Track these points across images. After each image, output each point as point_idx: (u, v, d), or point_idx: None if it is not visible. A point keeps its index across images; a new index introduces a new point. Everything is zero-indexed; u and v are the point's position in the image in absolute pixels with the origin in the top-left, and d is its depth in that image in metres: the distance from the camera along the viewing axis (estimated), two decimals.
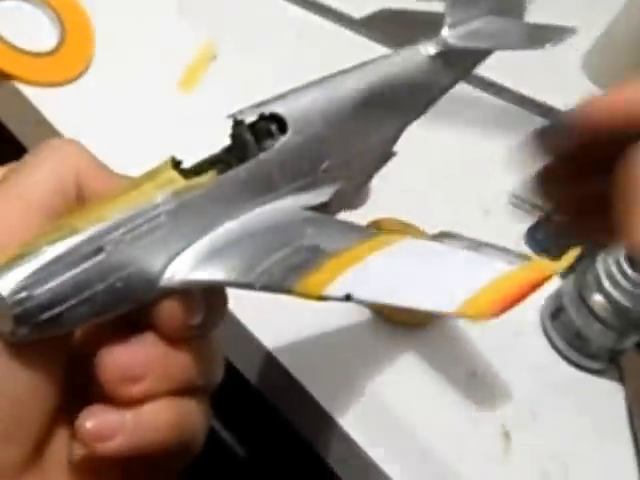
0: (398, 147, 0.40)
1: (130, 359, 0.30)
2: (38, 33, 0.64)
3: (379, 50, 0.69)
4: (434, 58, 0.39)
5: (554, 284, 0.62)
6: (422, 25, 0.40)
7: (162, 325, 0.31)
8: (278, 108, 0.34)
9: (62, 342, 0.30)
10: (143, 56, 0.66)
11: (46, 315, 0.28)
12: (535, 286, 0.28)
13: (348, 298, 0.29)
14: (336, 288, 0.29)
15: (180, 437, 0.31)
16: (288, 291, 0.30)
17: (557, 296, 0.60)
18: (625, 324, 0.56)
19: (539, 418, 0.56)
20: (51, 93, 0.62)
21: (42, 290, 0.28)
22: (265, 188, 0.33)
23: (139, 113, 0.62)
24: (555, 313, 0.60)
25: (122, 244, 0.29)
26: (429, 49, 0.39)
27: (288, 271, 0.30)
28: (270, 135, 0.34)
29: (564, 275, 0.61)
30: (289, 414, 0.56)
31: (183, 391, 0.32)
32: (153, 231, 0.30)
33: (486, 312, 0.27)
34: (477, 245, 0.31)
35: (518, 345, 0.60)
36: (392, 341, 0.57)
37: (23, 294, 0.28)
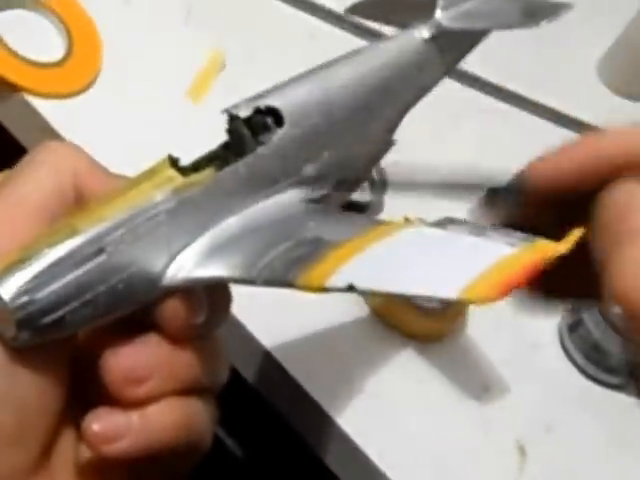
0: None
1: (134, 360, 0.30)
2: (45, 44, 0.64)
3: None
4: (429, 42, 0.39)
5: None
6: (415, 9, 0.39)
7: (166, 325, 0.30)
8: (273, 101, 0.33)
9: (65, 344, 0.30)
10: (151, 66, 0.66)
11: (48, 318, 0.28)
12: (538, 268, 0.27)
13: (350, 288, 0.28)
14: (338, 279, 0.29)
15: (187, 437, 0.31)
16: (290, 284, 0.29)
17: (575, 308, 0.59)
18: None
19: (555, 433, 0.56)
20: (59, 104, 0.62)
21: (44, 293, 0.28)
22: (265, 182, 0.33)
23: (148, 124, 0.62)
24: (573, 326, 0.59)
25: (123, 244, 0.29)
26: (423, 33, 0.39)
27: (290, 264, 0.30)
28: (267, 129, 0.33)
29: None
30: (288, 414, 0.55)
31: (189, 391, 0.31)
32: (153, 230, 0.30)
33: (488, 296, 0.27)
34: (481, 230, 0.31)
35: (535, 358, 0.59)
36: (406, 353, 0.57)
37: (25, 298, 0.28)
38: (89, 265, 0.28)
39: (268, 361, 0.54)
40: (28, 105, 0.61)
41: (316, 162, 0.35)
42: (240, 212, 0.32)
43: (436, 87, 0.40)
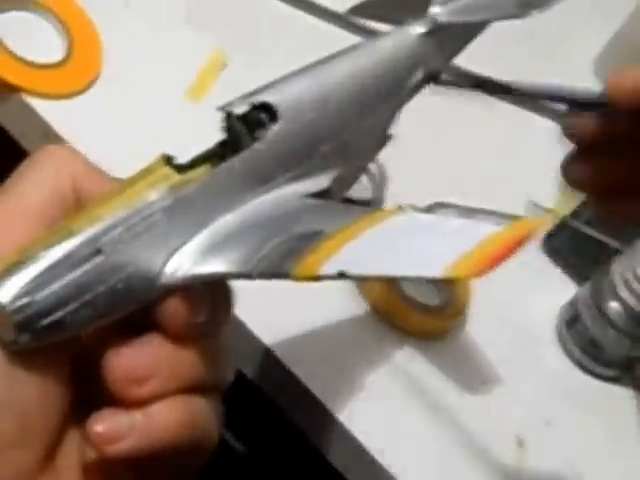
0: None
1: (137, 360, 0.30)
2: (45, 45, 0.63)
3: None
4: (424, 37, 0.39)
5: (570, 292, 0.61)
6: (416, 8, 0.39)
7: (167, 324, 0.30)
8: (268, 97, 0.33)
9: (67, 346, 0.30)
10: (151, 67, 0.66)
11: (48, 321, 0.28)
12: (520, 243, 0.28)
13: (342, 275, 0.29)
14: (330, 266, 0.29)
15: (191, 436, 0.31)
16: (285, 275, 0.29)
17: (573, 304, 0.60)
18: None
19: (554, 426, 0.56)
20: (59, 105, 0.61)
21: (42, 295, 0.28)
22: (261, 178, 0.33)
23: (149, 124, 0.62)
24: (570, 321, 0.59)
25: (120, 244, 0.29)
26: (418, 28, 0.39)
27: (285, 256, 0.30)
28: (262, 125, 0.33)
29: (581, 283, 0.61)
30: (289, 411, 0.55)
31: (192, 390, 0.31)
32: (150, 229, 0.30)
33: (472, 272, 0.28)
34: (470, 212, 0.31)
35: (533, 353, 0.60)
36: (406, 351, 0.57)
37: (23, 301, 0.28)
38: (87, 265, 0.28)
39: (269, 358, 0.54)
40: (28, 106, 0.61)
41: (313, 157, 0.35)
42: (237, 208, 0.32)
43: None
